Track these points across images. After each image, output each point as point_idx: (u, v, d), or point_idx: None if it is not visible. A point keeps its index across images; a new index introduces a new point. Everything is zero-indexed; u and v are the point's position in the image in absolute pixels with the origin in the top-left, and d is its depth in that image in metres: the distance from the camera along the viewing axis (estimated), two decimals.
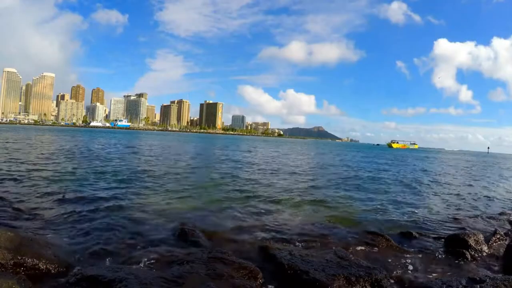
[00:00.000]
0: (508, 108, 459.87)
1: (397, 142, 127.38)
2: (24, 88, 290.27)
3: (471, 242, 5.49)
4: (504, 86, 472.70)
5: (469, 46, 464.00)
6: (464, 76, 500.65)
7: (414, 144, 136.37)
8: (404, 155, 54.76)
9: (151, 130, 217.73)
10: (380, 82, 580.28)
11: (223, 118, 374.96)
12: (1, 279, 3.10)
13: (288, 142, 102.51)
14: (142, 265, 4.08)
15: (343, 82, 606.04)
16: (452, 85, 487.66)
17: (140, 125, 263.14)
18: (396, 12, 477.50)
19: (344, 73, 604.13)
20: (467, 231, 6.14)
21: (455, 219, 8.35)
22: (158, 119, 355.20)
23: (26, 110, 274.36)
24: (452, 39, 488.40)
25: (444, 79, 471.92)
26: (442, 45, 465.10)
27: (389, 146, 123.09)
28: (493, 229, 7.05)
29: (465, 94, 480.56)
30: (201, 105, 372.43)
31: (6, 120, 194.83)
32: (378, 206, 9.31)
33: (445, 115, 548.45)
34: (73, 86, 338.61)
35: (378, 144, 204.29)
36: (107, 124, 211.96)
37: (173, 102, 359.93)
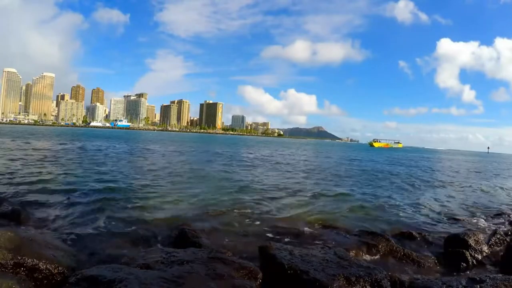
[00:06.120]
0: (510, 108, 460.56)
1: (379, 141, 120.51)
2: (24, 88, 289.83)
3: (471, 242, 5.49)
4: (507, 86, 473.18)
5: (472, 46, 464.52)
6: (467, 76, 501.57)
7: (398, 143, 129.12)
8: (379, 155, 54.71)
9: (151, 130, 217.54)
10: (382, 81, 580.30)
11: (223, 118, 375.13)
12: (1, 279, 3.10)
13: (290, 143, 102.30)
14: (142, 265, 4.07)
15: (344, 82, 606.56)
16: (455, 85, 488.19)
17: (140, 125, 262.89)
18: (403, 10, 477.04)
19: (346, 73, 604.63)
20: (467, 231, 6.14)
21: (455, 219, 8.35)
22: (158, 119, 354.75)
23: (26, 110, 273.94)
24: (455, 38, 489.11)
25: (447, 79, 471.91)
26: (445, 45, 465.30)
27: (370, 145, 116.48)
28: (493, 229, 7.05)
29: (468, 94, 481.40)
30: (201, 105, 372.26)
31: (6, 120, 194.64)
32: (378, 206, 9.31)
33: (447, 115, 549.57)
34: (73, 86, 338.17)
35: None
36: (107, 124, 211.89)
37: (173, 102, 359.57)
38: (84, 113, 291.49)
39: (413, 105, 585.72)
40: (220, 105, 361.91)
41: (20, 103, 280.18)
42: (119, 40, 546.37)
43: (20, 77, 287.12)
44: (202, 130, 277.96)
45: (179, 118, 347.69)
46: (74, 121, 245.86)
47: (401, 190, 12.89)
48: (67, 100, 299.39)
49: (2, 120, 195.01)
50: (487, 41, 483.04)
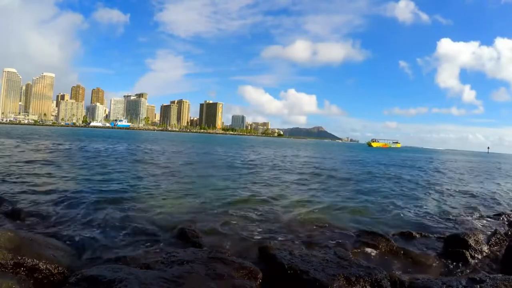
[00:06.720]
0: (510, 108, 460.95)
1: (377, 141, 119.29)
2: (24, 88, 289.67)
3: (471, 242, 5.49)
4: (507, 86, 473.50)
5: (473, 46, 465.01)
6: (468, 76, 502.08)
7: (396, 143, 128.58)
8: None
9: (151, 130, 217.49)
10: (383, 81, 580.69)
11: (223, 118, 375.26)
12: (1, 279, 3.10)
13: (290, 143, 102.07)
14: (142, 265, 4.08)
15: (344, 82, 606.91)
16: (455, 85, 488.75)
17: (140, 125, 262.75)
18: (403, 10, 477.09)
19: (346, 73, 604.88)
20: (467, 231, 6.14)
21: (455, 219, 8.35)
22: (158, 119, 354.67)
23: (26, 110, 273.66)
24: (456, 38, 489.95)
25: (447, 79, 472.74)
26: (446, 45, 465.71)
27: (369, 145, 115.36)
28: (493, 229, 7.05)
29: (468, 94, 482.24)
30: (201, 105, 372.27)
31: (6, 120, 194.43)
32: (378, 207, 9.31)
33: (447, 115, 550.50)
34: (73, 86, 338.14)
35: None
36: (107, 124, 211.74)
37: (173, 102, 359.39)
38: (84, 113, 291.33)
39: (413, 105, 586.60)
40: (220, 105, 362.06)
41: (20, 103, 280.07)
42: (119, 40, 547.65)
43: (20, 77, 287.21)
44: (202, 130, 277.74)
45: (179, 118, 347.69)
46: (74, 121, 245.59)
47: (400, 191, 12.88)
48: (67, 100, 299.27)
49: (2, 120, 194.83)
50: (487, 41, 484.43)
